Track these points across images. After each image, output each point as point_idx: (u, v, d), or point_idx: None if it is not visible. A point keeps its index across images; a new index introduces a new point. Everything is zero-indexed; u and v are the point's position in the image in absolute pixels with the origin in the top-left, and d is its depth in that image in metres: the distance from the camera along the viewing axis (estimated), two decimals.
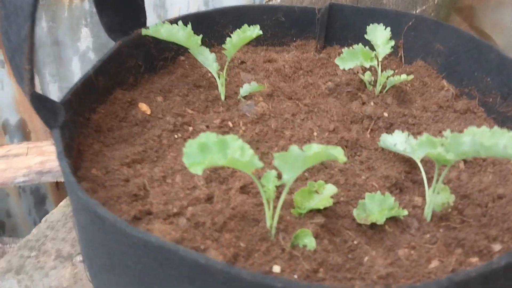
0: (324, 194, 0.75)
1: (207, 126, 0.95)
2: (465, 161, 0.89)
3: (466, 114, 1.03)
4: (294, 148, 0.62)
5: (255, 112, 1.00)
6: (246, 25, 0.96)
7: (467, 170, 0.88)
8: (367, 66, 1.00)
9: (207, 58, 1.01)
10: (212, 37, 1.22)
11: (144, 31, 0.94)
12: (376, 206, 0.75)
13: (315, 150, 0.61)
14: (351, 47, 1.02)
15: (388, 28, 1.07)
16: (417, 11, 1.38)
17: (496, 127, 0.64)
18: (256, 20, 1.23)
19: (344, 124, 0.99)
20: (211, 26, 1.20)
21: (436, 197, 0.81)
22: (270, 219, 0.71)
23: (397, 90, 1.09)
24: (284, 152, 0.62)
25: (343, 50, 1.04)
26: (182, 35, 0.93)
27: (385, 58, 1.24)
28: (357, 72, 1.13)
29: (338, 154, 0.62)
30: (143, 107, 0.96)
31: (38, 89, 1.83)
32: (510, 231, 0.72)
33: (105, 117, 0.93)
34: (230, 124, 0.96)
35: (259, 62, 1.20)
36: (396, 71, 1.20)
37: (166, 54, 1.13)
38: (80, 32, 1.75)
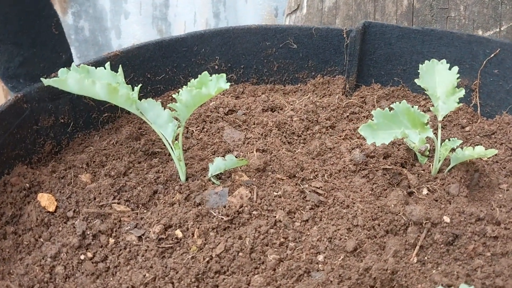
0: None
1: (140, 238, 0.58)
2: None
3: None
4: None
5: (228, 206, 0.61)
6: (206, 73, 0.58)
7: None
8: (416, 137, 0.59)
9: (158, 117, 0.64)
10: (189, 74, 0.84)
11: (45, 81, 0.58)
12: None
13: None
14: (388, 107, 0.60)
15: (455, 69, 0.64)
16: (503, 28, 0.94)
17: None
18: (253, 48, 0.84)
19: (374, 236, 0.58)
20: (186, 59, 0.82)
21: None
22: None
23: (467, 168, 0.67)
24: None
25: (376, 107, 0.63)
26: (100, 89, 0.56)
27: None
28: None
29: None
30: (44, 199, 0.60)
31: None
32: None
33: None
34: (178, 233, 0.58)
35: (256, 111, 0.81)
36: (468, 129, 0.77)
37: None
38: None
